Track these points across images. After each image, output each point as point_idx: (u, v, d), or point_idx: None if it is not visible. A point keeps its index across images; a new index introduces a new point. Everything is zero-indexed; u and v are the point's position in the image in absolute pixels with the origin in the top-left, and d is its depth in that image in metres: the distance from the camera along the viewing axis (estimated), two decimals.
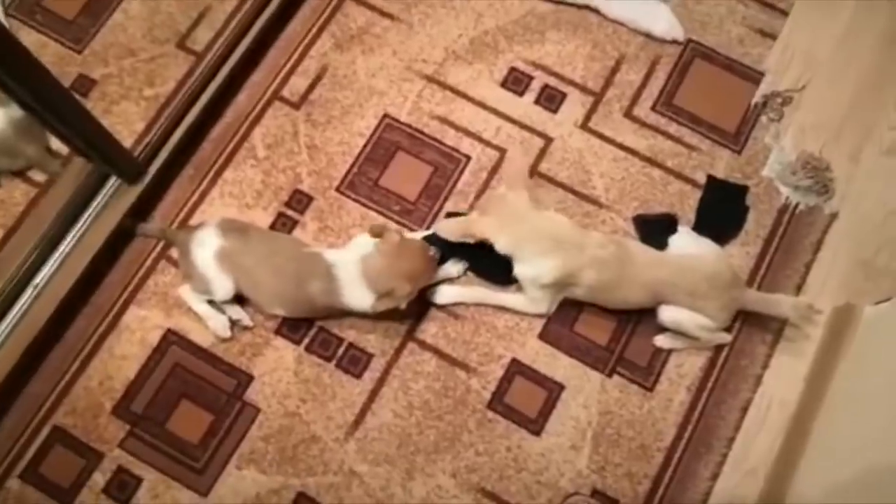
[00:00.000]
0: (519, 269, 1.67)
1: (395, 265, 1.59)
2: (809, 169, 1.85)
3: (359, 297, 1.63)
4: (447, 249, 1.74)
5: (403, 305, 1.61)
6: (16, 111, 1.72)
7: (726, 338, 1.74)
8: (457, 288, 1.77)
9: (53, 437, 1.68)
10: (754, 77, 1.97)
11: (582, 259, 1.63)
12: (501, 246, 1.63)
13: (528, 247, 1.63)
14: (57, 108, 1.50)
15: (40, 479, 1.66)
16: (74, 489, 1.65)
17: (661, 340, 1.75)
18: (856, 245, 1.82)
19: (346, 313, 1.72)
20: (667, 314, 1.69)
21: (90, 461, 1.67)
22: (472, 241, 1.65)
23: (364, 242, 1.65)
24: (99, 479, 1.66)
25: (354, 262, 1.62)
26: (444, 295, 1.76)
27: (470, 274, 1.79)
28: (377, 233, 1.61)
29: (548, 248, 1.62)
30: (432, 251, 1.66)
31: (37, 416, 1.69)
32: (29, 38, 1.95)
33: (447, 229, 1.66)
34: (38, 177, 1.84)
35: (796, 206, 1.87)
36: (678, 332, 1.72)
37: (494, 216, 1.63)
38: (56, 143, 1.82)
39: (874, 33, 1.99)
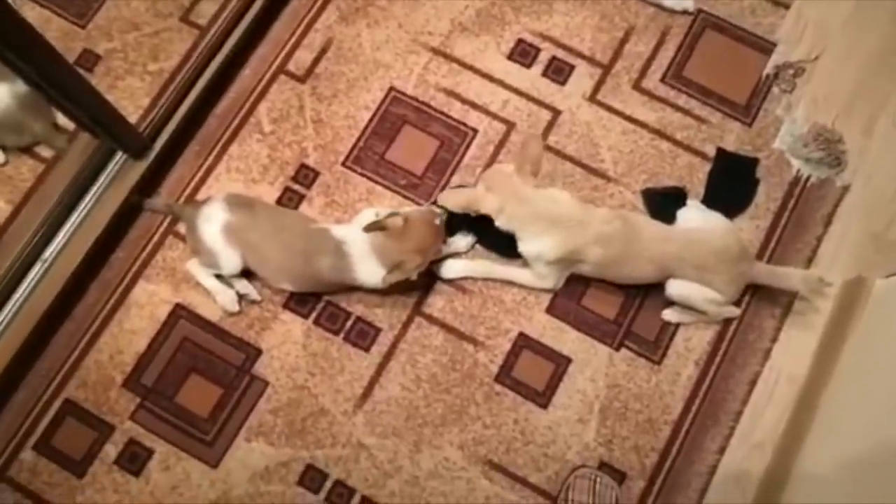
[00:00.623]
0: (522, 247, 1.66)
1: (404, 239, 1.59)
2: (821, 141, 1.83)
3: (370, 271, 1.64)
4: (456, 221, 1.74)
5: (414, 276, 1.62)
6: (22, 87, 1.72)
7: (735, 312, 1.73)
8: (464, 262, 1.77)
9: (65, 410, 1.70)
10: (766, 48, 1.94)
11: (585, 236, 1.62)
12: (501, 223, 1.63)
13: (527, 227, 1.63)
14: (62, 85, 1.50)
15: (53, 451, 1.69)
16: (87, 460, 1.68)
17: (669, 314, 1.75)
18: (867, 218, 1.81)
19: (353, 288, 1.72)
20: (675, 288, 1.68)
21: (102, 433, 1.69)
22: (473, 214, 1.64)
23: (369, 217, 1.64)
24: (111, 450, 1.68)
25: (364, 238, 1.61)
26: (450, 269, 1.76)
27: (478, 247, 1.79)
28: (375, 228, 1.59)
29: (546, 227, 1.62)
30: (438, 219, 1.65)
31: (48, 390, 1.71)
32: (33, 13, 1.94)
33: (451, 200, 1.65)
34: (45, 152, 1.85)
35: (807, 178, 1.85)
36: (686, 306, 1.71)
37: (497, 194, 1.62)
38: (62, 119, 1.82)
39: (888, 3, 1.95)
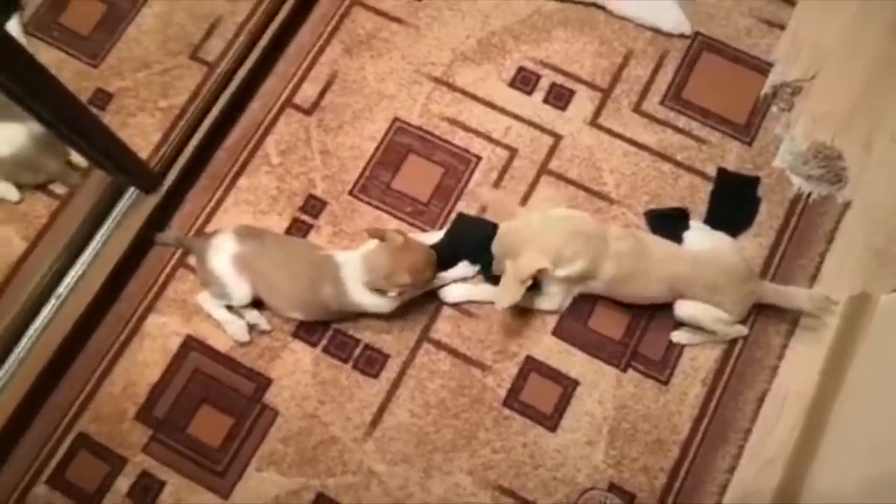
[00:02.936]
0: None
1: (396, 258, 1.59)
2: (821, 158, 1.84)
3: (365, 294, 1.65)
4: (461, 252, 1.77)
5: (394, 295, 1.62)
6: (37, 127, 1.76)
7: (743, 331, 1.73)
8: (468, 286, 1.78)
9: (78, 444, 1.72)
10: (763, 68, 1.96)
11: (606, 252, 1.63)
12: (547, 264, 1.60)
13: (567, 252, 1.62)
14: (75, 124, 1.54)
15: (66, 484, 1.70)
16: (99, 494, 1.69)
17: (678, 336, 1.75)
18: (869, 233, 1.81)
19: (360, 315, 1.74)
20: (684, 309, 1.69)
21: (114, 466, 1.71)
22: (531, 282, 1.61)
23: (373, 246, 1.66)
24: (123, 483, 1.70)
25: (357, 261, 1.64)
26: (455, 293, 1.77)
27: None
28: (376, 235, 1.61)
29: (582, 246, 1.62)
30: (433, 234, 1.70)
31: (62, 423, 1.73)
32: (47, 54, 1.99)
33: (506, 298, 1.61)
34: (59, 190, 1.89)
35: (809, 195, 1.86)
36: (695, 327, 1.71)
37: (529, 248, 1.61)
38: (76, 157, 1.86)
39: (883, 20, 1.97)
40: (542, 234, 1.64)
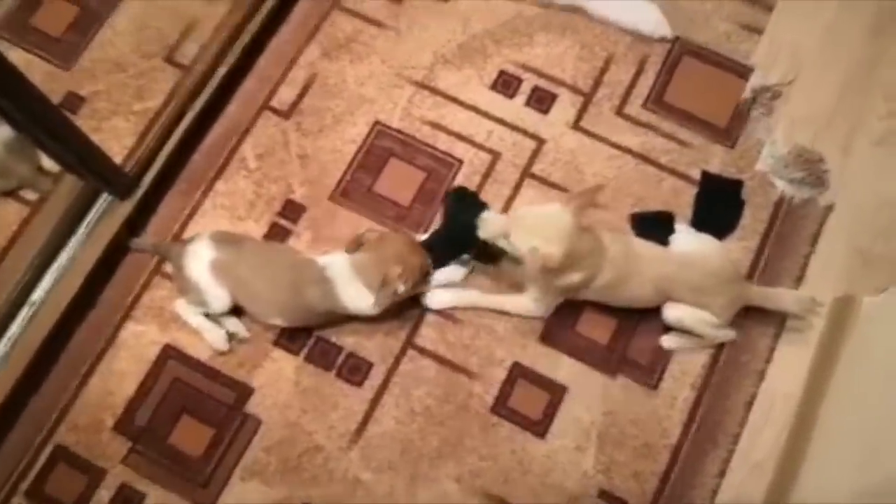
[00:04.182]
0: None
1: (381, 252, 1.59)
2: (802, 161, 1.86)
3: (356, 296, 1.62)
4: (448, 253, 1.75)
5: (402, 289, 1.58)
6: (6, 131, 1.72)
7: (731, 335, 1.73)
8: (452, 292, 1.76)
9: (56, 456, 1.67)
10: (743, 72, 1.98)
11: (605, 258, 1.62)
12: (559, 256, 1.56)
13: (578, 249, 1.58)
14: (47, 126, 1.50)
15: (45, 497, 1.65)
16: None
17: (667, 341, 1.74)
18: (852, 235, 1.82)
19: (344, 320, 1.72)
20: (672, 312, 1.68)
21: (94, 478, 1.66)
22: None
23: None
24: (103, 495, 1.65)
25: (345, 262, 1.62)
26: (438, 300, 1.75)
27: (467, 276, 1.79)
28: (354, 247, 1.61)
29: (588, 247, 1.61)
30: (417, 237, 1.68)
31: (39, 435, 1.68)
32: (16, 56, 1.92)
33: (533, 268, 1.57)
34: (31, 196, 1.83)
35: (791, 198, 1.87)
36: (683, 331, 1.71)
37: (558, 242, 1.54)
38: (47, 162, 1.80)
39: (860, 24, 2.00)
40: (556, 227, 1.57)
